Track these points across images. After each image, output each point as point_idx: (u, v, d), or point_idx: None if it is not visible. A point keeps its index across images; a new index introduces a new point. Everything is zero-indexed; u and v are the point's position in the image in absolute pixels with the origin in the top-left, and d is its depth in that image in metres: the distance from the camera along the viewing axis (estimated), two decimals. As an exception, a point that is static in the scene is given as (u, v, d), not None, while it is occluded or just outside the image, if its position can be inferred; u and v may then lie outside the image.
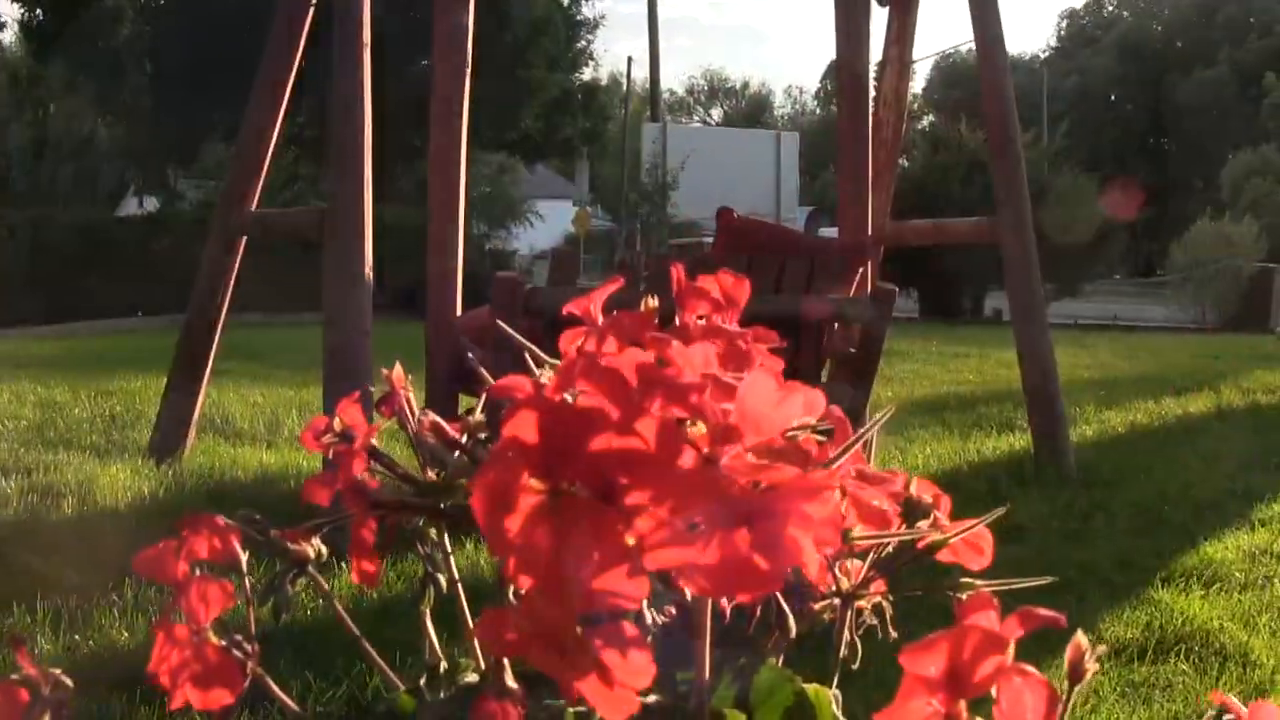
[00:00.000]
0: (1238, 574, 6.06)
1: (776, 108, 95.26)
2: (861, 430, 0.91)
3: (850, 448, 0.89)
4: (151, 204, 37.91)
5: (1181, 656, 4.92)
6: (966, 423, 10.52)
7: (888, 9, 9.66)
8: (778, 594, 0.95)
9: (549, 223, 50.11)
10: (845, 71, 9.38)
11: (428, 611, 1.07)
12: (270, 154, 8.15)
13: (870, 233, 9.15)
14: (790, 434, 0.84)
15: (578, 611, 0.66)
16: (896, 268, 26.71)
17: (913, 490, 1.08)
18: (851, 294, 8.57)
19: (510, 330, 1.21)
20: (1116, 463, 8.97)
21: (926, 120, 61.09)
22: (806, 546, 0.65)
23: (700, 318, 1.03)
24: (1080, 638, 0.83)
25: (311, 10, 8.07)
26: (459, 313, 8.20)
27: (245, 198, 8.11)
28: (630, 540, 0.65)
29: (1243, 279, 25.53)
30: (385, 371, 1.12)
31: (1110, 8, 76.80)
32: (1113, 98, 71.48)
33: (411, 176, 29.29)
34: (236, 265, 8.26)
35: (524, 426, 0.66)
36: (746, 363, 0.97)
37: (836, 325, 8.75)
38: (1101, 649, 0.87)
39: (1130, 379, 14.38)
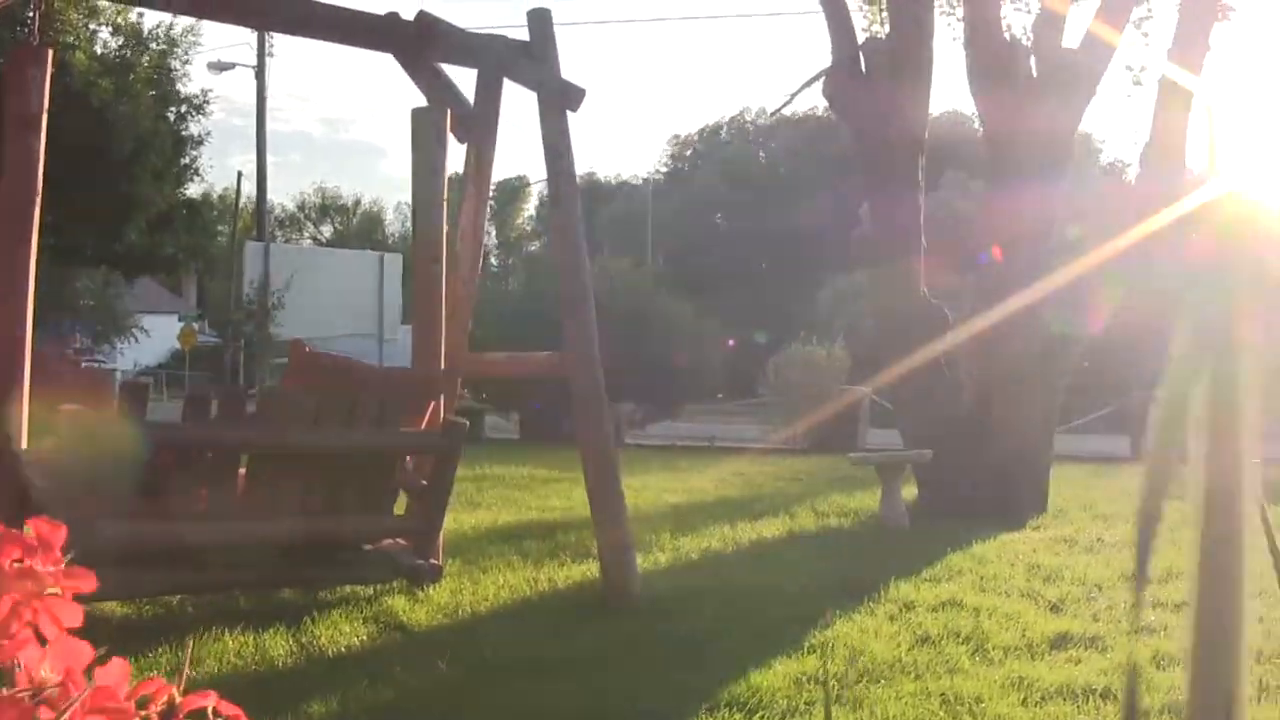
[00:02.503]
0: (781, 701, 6.26)
1: (388, 225, 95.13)
2: (77, 695, 0.97)
3: (73, 705, 0.95)
4: None
5: (712, 790, 5.07)
6: (544, 551, 10.66)
7: (466, 144, 9.82)
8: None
9: (154, 338, 49.04)
10: (420, 207, 9.50)
11: None
12: None
13: (445, 365, 9.24)
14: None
15: None
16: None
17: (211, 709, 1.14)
18: (424, 426, 8.65)
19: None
20: (684, 590, 9.18)
21: (538, 244, 61.92)
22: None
23: (16, 561, 1.07)
24: None
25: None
26: (24, 442, 7.97)
27: None
28: None
29: (831, 401, 26.33)
30: None
31: (719, 135, 78.81)
32: (718, 221, 73.33)
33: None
34: None
35: None
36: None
37: (409, 458, 8.83)
38: None
39: (713, 503, 14.75)
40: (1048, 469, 14.49)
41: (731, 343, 41.58)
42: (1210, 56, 15.27)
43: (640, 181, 79.94)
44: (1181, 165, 15.43)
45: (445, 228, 9.55)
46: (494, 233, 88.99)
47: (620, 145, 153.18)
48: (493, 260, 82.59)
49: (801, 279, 56.42)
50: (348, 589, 8.75)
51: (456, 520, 11.95)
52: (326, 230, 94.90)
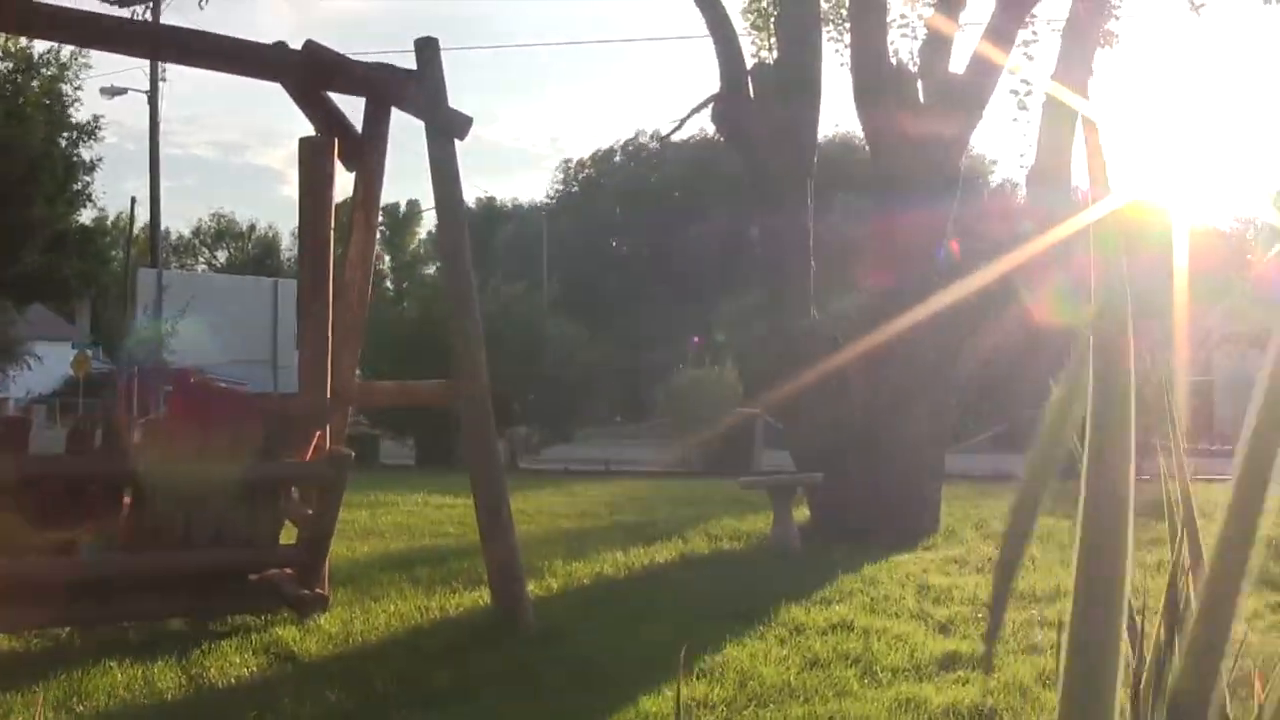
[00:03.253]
0: (671, 726, 6.29)
1: (284, 250, 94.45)
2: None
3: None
4: None
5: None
6: (436, 578, 10.63)
7: (354, 172, 9.80)
8: None
9: (47, 365, 48.48)
10: (308, 235, 9.47)
11: None
12: None
13: (333, 393, 9.21)
14: None
15: None
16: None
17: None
18: (309, 456, 8.62)
19: None
20: (576, 615, 9.21)
21: (434, 266, 61.52)
22: None
23: None
24: None
25: None
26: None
27: None
28: None
29: (724, 424, 26.36)
30: None
31: (613, 159, 78.79)
32: (613, 244, 73.40)
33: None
34: None
35: None
36: None
37: (294, 488, 8.79)
38: None
39: (606, 527, 14.77)
40: (939, 489, 14.59)
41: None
42: (1093, 80, 15.50)
43: (536, 204, 79.97)
44: (1067, 185, 15.64)
45: (333, 255, 9.54)
46: (389, 258, 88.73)
47: (517, 168, 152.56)
48: (388, 284, 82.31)
49: (696, 301, 56.55)
50: (238, 619, 8.70)
51: (349, 548, 11.93)
52: (222, 255, 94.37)
